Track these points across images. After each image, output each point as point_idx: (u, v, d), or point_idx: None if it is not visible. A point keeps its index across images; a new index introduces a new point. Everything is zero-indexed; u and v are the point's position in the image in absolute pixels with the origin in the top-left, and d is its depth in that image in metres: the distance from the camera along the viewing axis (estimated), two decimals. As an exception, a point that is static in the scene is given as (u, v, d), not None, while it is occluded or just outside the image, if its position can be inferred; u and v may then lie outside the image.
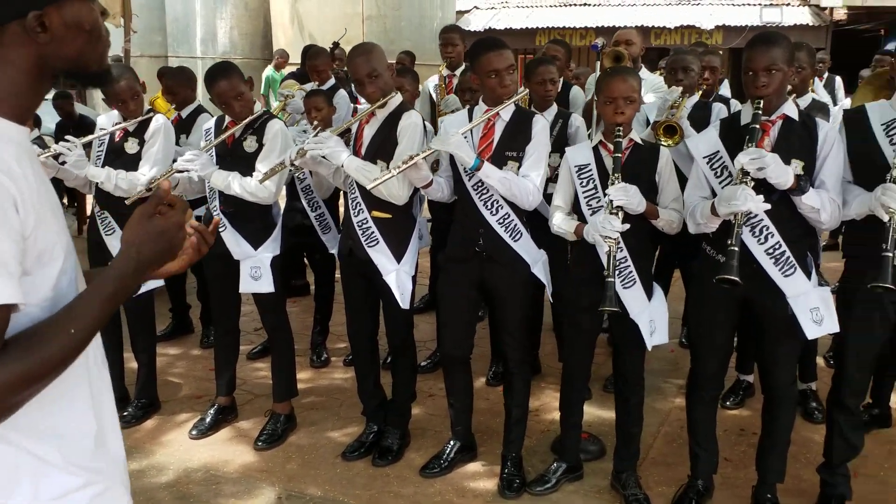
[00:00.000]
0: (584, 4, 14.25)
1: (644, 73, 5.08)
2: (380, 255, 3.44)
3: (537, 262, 3.35)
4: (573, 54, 9.99)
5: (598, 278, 2.97)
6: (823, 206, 2.80)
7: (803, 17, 12.41)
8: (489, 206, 3.25)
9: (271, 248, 3.76)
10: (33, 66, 1.25)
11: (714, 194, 2.94)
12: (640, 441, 3.39)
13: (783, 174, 2.70)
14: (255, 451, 3.76)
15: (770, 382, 3.08)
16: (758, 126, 2.79)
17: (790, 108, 2.93)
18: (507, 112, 3.25)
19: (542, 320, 4.68)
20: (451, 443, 3.62)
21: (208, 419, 3.96)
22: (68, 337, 1.20)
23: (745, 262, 2.81)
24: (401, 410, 3.76)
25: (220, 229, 3.72)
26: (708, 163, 2.98)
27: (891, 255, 2.59)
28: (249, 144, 3.68)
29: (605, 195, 3.01)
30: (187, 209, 1.38)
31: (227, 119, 3.73)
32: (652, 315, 3.13)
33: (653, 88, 4.67)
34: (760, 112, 2.81)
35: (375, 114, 3.42)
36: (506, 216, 3.25)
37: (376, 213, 3.42)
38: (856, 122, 2.96)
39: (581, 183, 3.16)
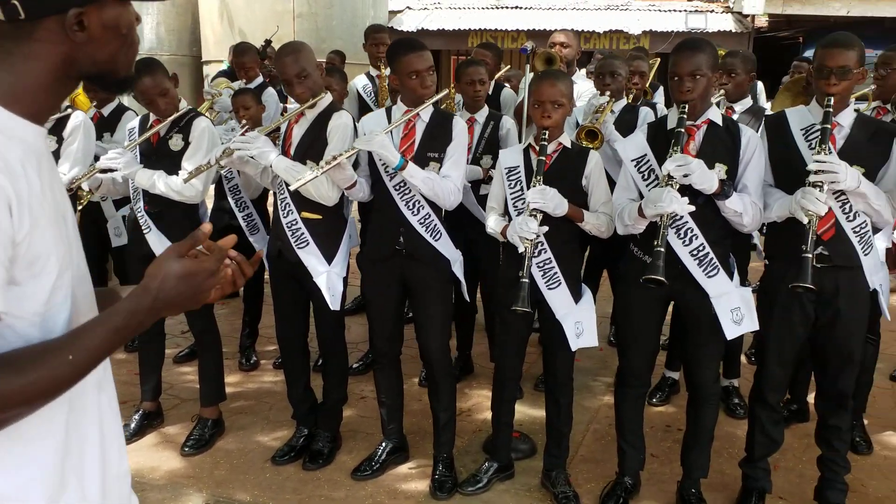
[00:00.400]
0: (516, 7, 14.36)
1: (582, 79, 5.15)
2: (310, 256, 3.40)
3: (456, 261, 3.37)
4: (506, 57, 10.09)
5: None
6: (746, 209, 2.88)
7: (727, 23, 12.77)
8: (411, 206, 3.24)
9: None
10: (61, 65, 1.16)
11: (642, 196, 2.99)
12: (569, 439, 3.43)
13: (707, 180, 2.77)
14: (182, 456, 3.68)
15: (694, 380, 3.16)
16: (683, 130, 2.86)
17: (714, 114, 3.01)
18: (426, 113, 3.25)
19: (474, 320, 4.71)
20: (383, 444, 3.60)
21: (133, 425, 3.85)
22: (64, 363, 1.11)
23: (671, 263, 2.87)
24: (332, 413, 3.72)
25: (145, 230, 3.63)
26: (636, 166, 3.04)
27: (810, 255, 2.68)
28: (175, 143, 3.59)
29: None
30: (223, 257, 1.28)
31: (152, 117, 3.63)
32: (579, 317, 3.16)
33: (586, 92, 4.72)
34: (685, 116, 2.88)
35: (305, 113, 3.38)
36: (427, 216, 3.26)
37: (306, 214, 3.38)
38: (776, 128, 3.06)
39: (509, 184, 3.19)
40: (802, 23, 12.95)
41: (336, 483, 3.49)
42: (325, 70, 4.48)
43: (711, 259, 2.93)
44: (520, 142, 3.83)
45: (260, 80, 5.83)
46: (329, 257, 3.42)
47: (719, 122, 3.00)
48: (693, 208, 2.78)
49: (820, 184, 2.73)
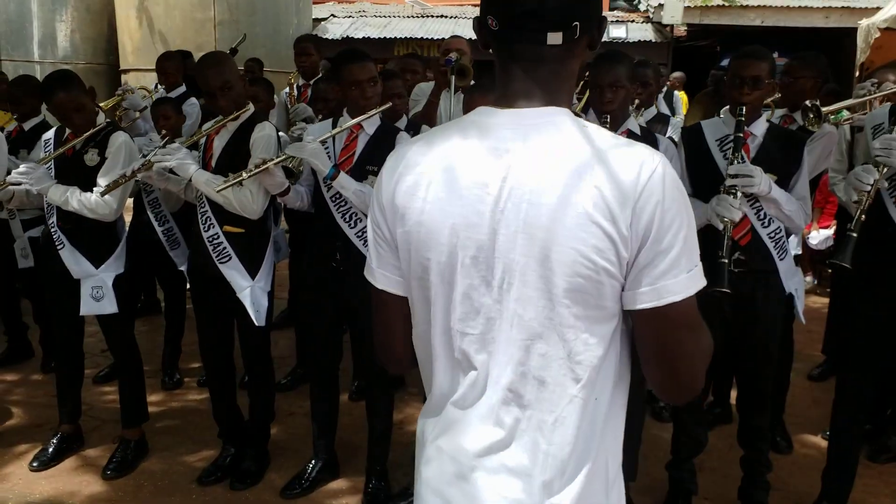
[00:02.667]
0: (441, 16, 14.42)
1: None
2: (232, 271, 3.32)
3: None
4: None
5: None
6: None
7: (647, 33, 13.07)
8: (347, 219, 3.21)
9: (114, 266, 3.56)
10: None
11: None
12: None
13: None
14: (104, 480, 3.55)
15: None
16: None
17: (633, 124, 3.08)
18: (371, 126, 3.23)
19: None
20: (314, 461, 3.54)
21: (51, 449, 3.70)
22: None
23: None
24: (259, 431, 3.65)
25: (58, 247, 3.49)
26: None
27: (726, 261, 2.76)
28: (91, 157, 3.46)
29: None
30: None
31: (68, 131, 3.51)
32: None
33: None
34: (608, 126, 2.93)
35: (226, 125, 3.31)
36: (364, 230, 3.22)
37: (228, 228, 3.31)
38: (693, 138, 3.14)
39: None
40: (719, 32, 13.37)
41: (265, 503, 3.42)
42: (250, 80, 4.42)
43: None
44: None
45: (182, 89, 5.70)
46: (252, 272, 3.35)
47: (637, 131, 3.08)
48: None
49: (734, 190, 2.81)
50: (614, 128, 2.98)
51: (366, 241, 3.15)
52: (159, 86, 5.82)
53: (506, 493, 1.25)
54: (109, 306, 3.51)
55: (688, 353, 1.24)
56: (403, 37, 13.05)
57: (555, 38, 1.21)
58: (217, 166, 3.29)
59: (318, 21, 13.88)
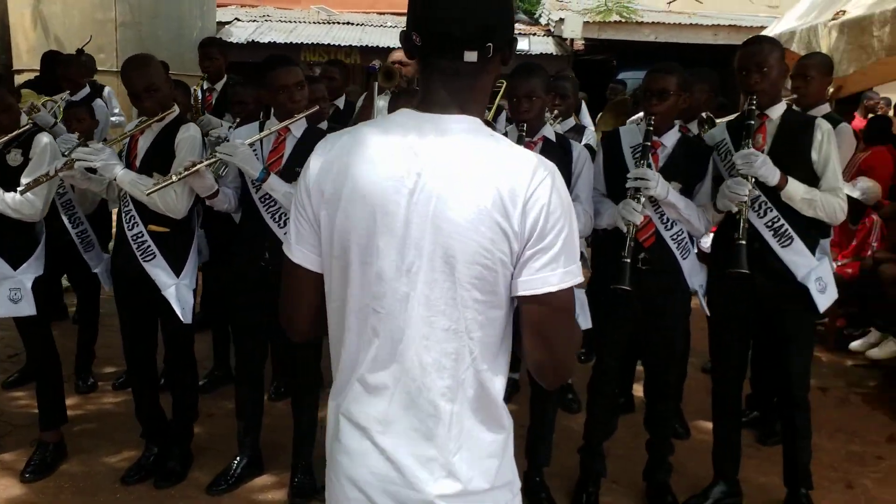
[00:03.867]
0: (348, 23, 14.51)
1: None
2: (157, 269, 3.36)
3: None
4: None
5: None
6: (578, 216, 3.16)
7: (548, 46, 13.53)
8: (277, 219, 3.30)
9: (34, 268, 3.53)
10: None
11: None
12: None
13: None
14: (23, 483, 3.51)
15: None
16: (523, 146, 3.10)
17: (548, 131, 3.30)
18: (298, 129, 3.33)
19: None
20: (238, 458, 3.60)
21: (-37, 456, 3.62)
22: None
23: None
24: (183, 430, 3.68)
25: None
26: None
27: (628, 260, 3.01)
28: (14, 158, 3.43)
29: None
30: None
31: None
32: None
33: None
34: (524, 133, 3.14)
35: (151, 126, 3.34)
36: None
37: (153, 227, 3.34)
38: (611, 144, 3.38)
39: None
40: (615, 47, 13.98)
41: (191, 499, 3.46)
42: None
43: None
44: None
45: (87, 91, 5.62)
46: (177, 270, 3.40)
47: (553, 138, 3.29)
48: None
49: (637, 195, 3.05)
50: (531, 135, 3.20)
51: None
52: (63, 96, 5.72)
53: (417, 451, 1.42)
54: (28, 308, 3.48)
55: (563, 338, 1.44)
56: (310, 42, 13.06)
57: (470, 57, 1.39)
58: (141, 166, 3.32)
59: (222, 24, 13.72)
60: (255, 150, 3.26)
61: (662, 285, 3.26)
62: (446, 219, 1.35)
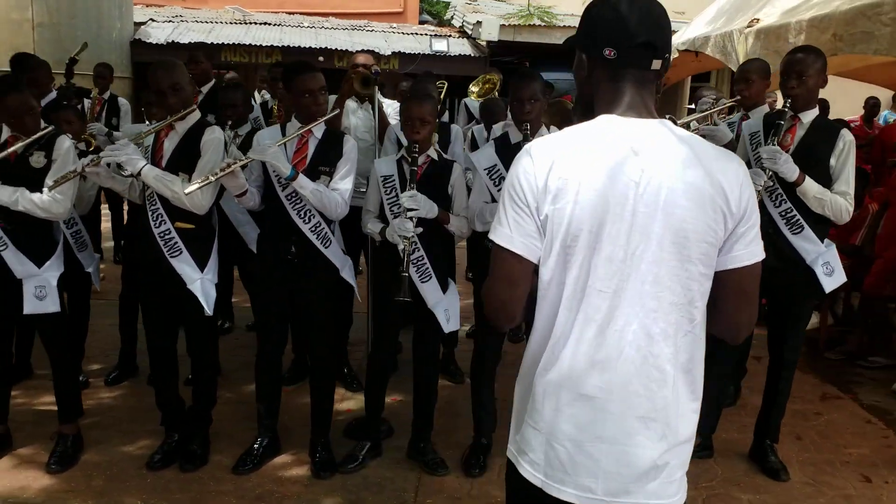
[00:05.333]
0: (265, 23, 14.53)
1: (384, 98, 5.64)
2: (183, 264, 3.56)
3: (344, 266, 3.73)
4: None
5: (397, 273, 3.44)
6: None
7: (465, 48, 13.99)
8: (302, 216, 3.56)
9: (56, 266, 3.67)
10: None
11: (494, 200, 3.57)
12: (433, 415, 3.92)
13: None
14: (51, 474, 3.63)
15: None
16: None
17: (545, 131, 3.67)
18: (319, 130, 3.59)
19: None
20: (259, 439, 3.83)
21: (-15, 450, 3.71)
22: None
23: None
24: (203, 416, 3.88)
25: (0, 248, 3.55)
26: (488, 174, 3.61)
27: None
28: (37, 160, 3.55)
29: None
30: None
31: (5, 133, 3.57)
32: (447, 305, 3.68)
33: (393, 111, 5.22)
34: (529, 133, 3.51)
35: (175, 127, 3.54)
36: (318, 224, 3.58)
37: (179, 224, 3.54)
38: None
39: (385, 191, 3.63)
40: (524, 49, 14.56)
41: (219, 479, 3.67)
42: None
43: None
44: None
45: (52, 95, 5.64)
46: (202, 265, 3.60)
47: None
48: None
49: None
50: (533, 134, 3.56)
51: (319, 235, 3.55)
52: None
53: (641, 414, 1.66)
54: (52, 305, 3.61)
55: (756, 298, 1.76)
56: (231, 42, 13.05)
57: (656, 65, 1.69)
58: (168, 166, 3.51)
59: (137, 25, 13.53)
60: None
61: None
62: (678, 205, 1.60)
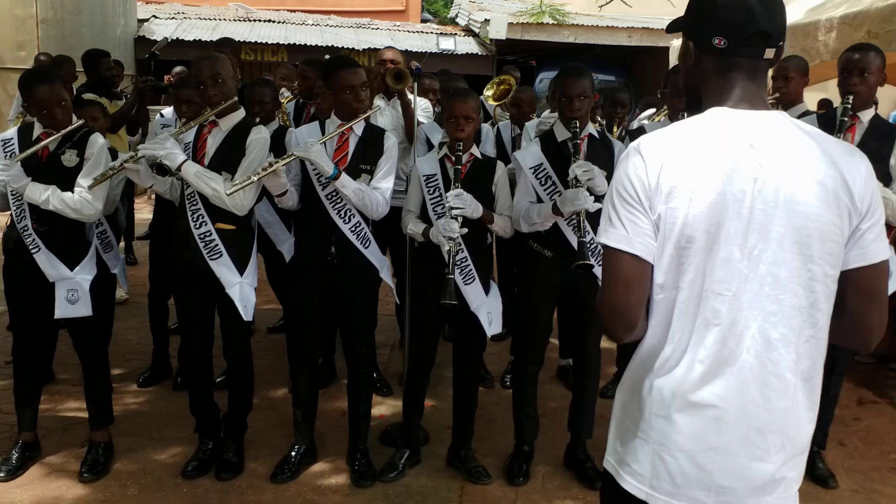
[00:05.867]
0: (269, 21, 14.40)
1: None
2: (222, 267, 3.44)
3: (383, 266, 3.62)
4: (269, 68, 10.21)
5: (440, 275, 3.34)
6: None
7: (472, 46, 13.89)
8: (342, 215, 3.45)
9: (88, 268, 3.55)
10: None
11: (540, 200, 3.47)
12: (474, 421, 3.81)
13: (603, 182, 3.31)
14: (83, 483, 3.51)
15: (583, 350, 3.69)
16: (578, 142, 3.37)
17: (591, 129, 3.57)
18: (359, 128, 3.48)
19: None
20: (297, 447, 3.71)
21: (14, 458, 3.59)
22: None
23: (569, 253, 3.39)
24: (239, 423, 3.76)
25: (33, 251, 3.43)
26: (534, 173, 3.50)
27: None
28: (69, 158, 3.44)
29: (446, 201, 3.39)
30: None
31: (37, 129, 3.45)
32: (489, 308, 3.57)
33: (421, 109, 5.12)
34: (578, 130, 3.40)
35: (219, 124, 3.42)
36: (357, 224, 3.48)
37: (220, 225, 3.42)
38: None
39: (428, 191, 3.52)
40: (532, 48, 14.48)
41: (258, 488, 3.56)
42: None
43: (598, 249, 3.47)
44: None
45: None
46: (241, 268, 3.48)
47: (596, 135, 3.58)
48: (600, 206, 3.29)
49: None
50: (581, 131, 3.45)
51: (358, 235, 3.44)
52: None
53: (759, 424, 1.58)
54: (84, 309, 3.49)
55: (886, 299, 1.64)
56: (236, 40, 12.88)
57: (769, 54, 1.61)
58: (210, 164, 3.39)
59: (140, 22, 13.38)
60: None
61: None
62: (800, 202, 1.52)
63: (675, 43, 9.67)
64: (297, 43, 12.96)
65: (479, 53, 13.75)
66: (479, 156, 3.60)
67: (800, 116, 3.87)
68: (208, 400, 3.74)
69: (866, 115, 3.62)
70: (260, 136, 3.42)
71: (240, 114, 3.46)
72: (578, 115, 3.42)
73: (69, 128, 3.41)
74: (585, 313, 3.59)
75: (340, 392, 4.61)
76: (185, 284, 3.56)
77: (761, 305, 1.56)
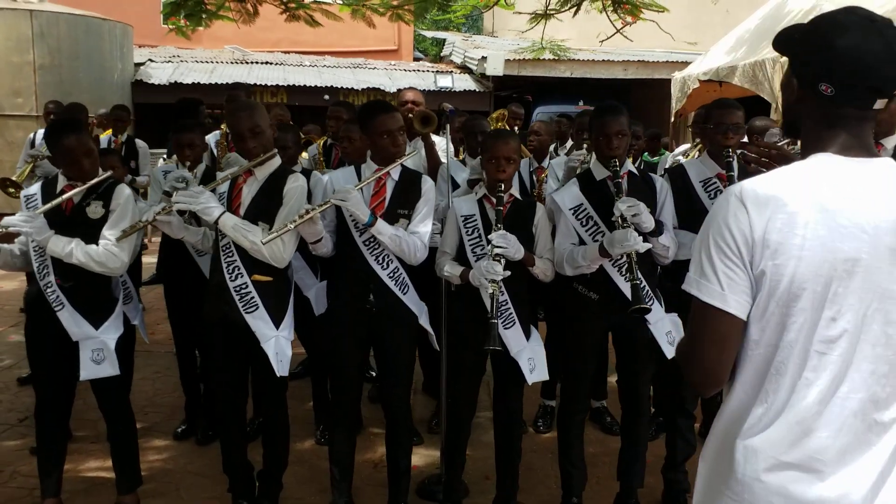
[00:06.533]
0: (266, 63, 14.40)
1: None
2: (258, 321, 3.30)
3: (422, 312, 3.50)
4: (268, 109, 10.13)
5: (479, 319, 3.22)
6: (667, 245, 3.37)
7: (469, 83, 13.93)
8: (380, 261, 3.33)
9: (114, 326, 3.42)
10: None
11: (582, 242, 3.37)
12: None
13: (649, 219, 3.21)
14: (113, 551, 3.34)
15: (632, 398, 3.56)
16: (620, 181, 3.28)
17: (629, 166, 3.48)
18: (395, 172, 3.38)
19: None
20: (337, 504, 3.56)
21: (40, 526, 3.41)
22: None
23: (616, 296, 3.29)
24: (275, 481, 3.60)
25: (56, 308, 3.30)
26: (574, 214, 3.40)
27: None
28: (94, 210, 3.32)
29: (488, 242, 3.28)
30: None
31: (61, 182, 3.33)
32: (531, 353, 3.44)
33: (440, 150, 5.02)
34: (619, 169, 3.31)
35: (254, 173, 3.32)
36: (395, 270, 3.36)
37: (257, 277, 3.30)
38: (679, 178, 3.60)
39: (467, 232, 3.41)
40: (529, 84, 14.54)
41: (298, 550, 3.40)
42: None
43: (647, 291, 3.36)
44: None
45: None
46: (277, 321, 3.34)
47: (636, 172, 3.49)
48: (650, 245, 3.20)
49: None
50: (620, 169, 3.35)
51: (397, 281, 3.31)
52: None
53: (867, 482, 1.50)
54: (110, 369, 3.35)
55: None
56: (234, 82, 12.86)
57: (881, 104, 1.53)
58: (247, 214, 3.28)
59: (137, 66, 13.34)
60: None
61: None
62: None
63: (677, 75, 9.73)
64: (297, 84, 12.94)
65: (477, 90, 13.78)
66: (518, 197, 3.50)
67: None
68: (243, 458, 3.58)
69: (890, 142, 3.52)
70: (297, 185, 3.32)
71: (275, 162, 3.36)
72: (617, 153, 3.34)
73: (96, 179, 3.30)
74: (637, 360, 3.48)
75: (369, 442, 4.48)
76: (217, 339, 3.42)
77: (872, 367, 1.49)
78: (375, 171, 3.33)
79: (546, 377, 3.51)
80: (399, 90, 7.37)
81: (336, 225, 3.40)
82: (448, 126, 4.08)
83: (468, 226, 3.43)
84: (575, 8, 7.58)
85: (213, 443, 4.23)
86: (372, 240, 3.31)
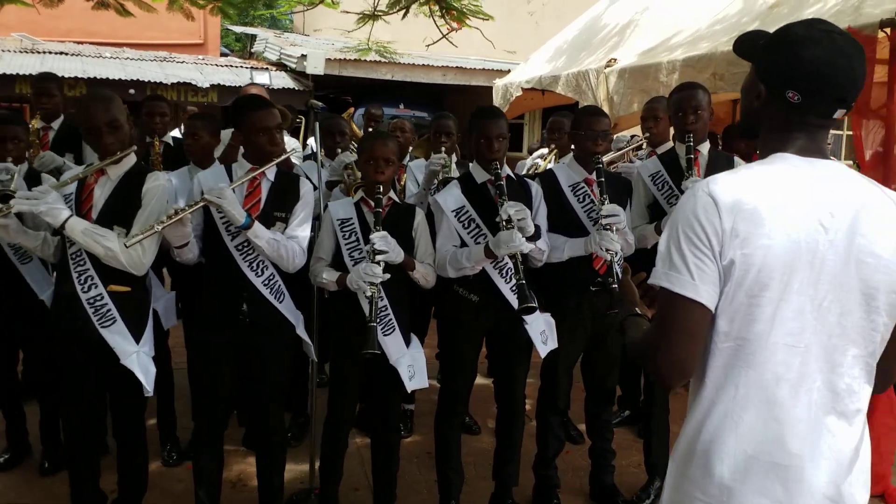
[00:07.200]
0: (62, 53, 13.18)
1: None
2: (116, 336, 3.00)
3: (298, 321, 3.31)
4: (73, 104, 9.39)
5: (356, 327, 3.12)
6: (541, 249, 3.42)
7: (287, 81, 13.53)
8: (254, 268, 3.13)
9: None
10: None
11: (464, 244, 3.34)
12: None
13: (531, 224, 3.24)
14: None
15: (509, 399, 3.57)
16: (502, 183, 3.29)
17: (508, 170, 3.50)
18: (271, 172, 3.18)
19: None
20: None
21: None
22: None
23: (495, 297, 3.30)
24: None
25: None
26: (456, 216, 3.37)
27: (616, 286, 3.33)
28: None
29: (367, 243, 3.16)
30: None
31: None
32: (411, 360, 3.36)
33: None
34: (500, 172, 3.32)
35: (107, 173, 2.99)
36: (271, 277, 3.17)
37: (114, 287, 2.99)
38: (549, 183, 3.66)
39: (344, 236, 3.28)
40: (346, 85, 14.38)
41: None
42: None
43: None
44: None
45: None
46: (137, 335, 3.05)
47: (514, 177, 3.52)
48: (532, 246, 3.22)
49: (608, 227, 3.39)
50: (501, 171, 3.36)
51: (272, 289, 3.13)
52: None
53: (838, 475, 1.57)
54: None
55: None
56: (26, 73, 11.68)
57: (839, 114, 1.61)
58: (100, 218, 2.96)
59: None
60: None
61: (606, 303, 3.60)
62: (871, 253, 1.52)
63: (499, 83, 9.98)
64: (98, 77, 11.93)
65: (296, 88, 13.42)
66: (397, 200, 3.41)
67: (664, 153, 4.01)
68: (96, 489, 3.22)
69: (704, 148, 3.79)
70: (158, 184, 3.03)
71: (130, 159, 3.04)
72: (498, 156, 3.35)
73: None
74: (513, 362, 3.51)
75: (226, 458, 4.19)
76: (72, 357, 3.05)
77: (829, 357, 1.55)
78: (249, 170, 3.11)
79: (426, 384, 3.44)
80: (242, 86, 7.17)
81: (203, 229, 3.15)
82: (318, 125, 3.91)
83: (345, 229, 3.29)
84: (403, 11, 7.59)
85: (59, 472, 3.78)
86: (245, 245, 3.10)
